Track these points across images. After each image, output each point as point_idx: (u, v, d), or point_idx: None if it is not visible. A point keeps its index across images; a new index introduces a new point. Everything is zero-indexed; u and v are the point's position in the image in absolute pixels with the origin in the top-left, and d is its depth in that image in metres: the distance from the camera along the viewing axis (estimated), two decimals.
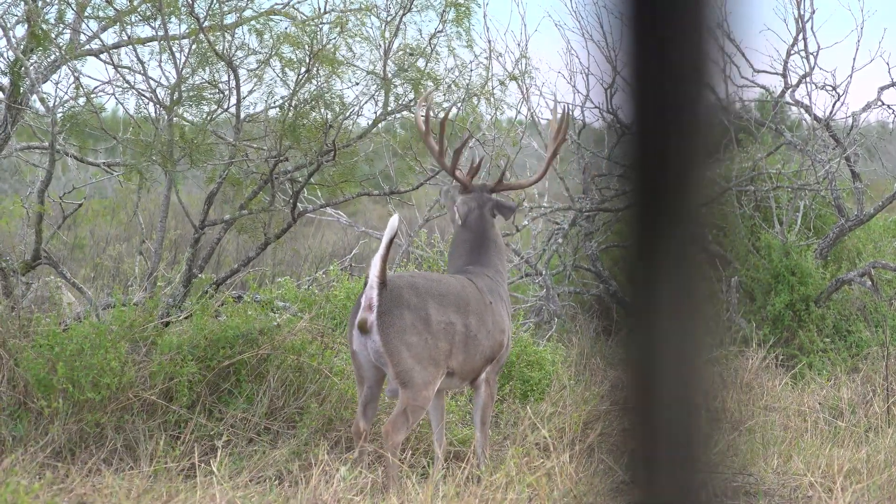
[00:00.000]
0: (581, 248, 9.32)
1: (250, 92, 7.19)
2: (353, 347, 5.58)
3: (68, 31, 7.31)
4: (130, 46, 7.16)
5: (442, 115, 6.92)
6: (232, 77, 7.08)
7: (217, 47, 7.00)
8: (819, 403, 7.29)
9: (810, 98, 9.43)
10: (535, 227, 9.60)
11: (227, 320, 6.37)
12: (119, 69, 7.23)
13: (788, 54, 9.40)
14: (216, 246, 7.43)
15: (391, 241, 5.43)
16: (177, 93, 7.04)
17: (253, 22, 7.24)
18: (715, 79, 1.58)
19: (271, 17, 7.32)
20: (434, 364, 5.54)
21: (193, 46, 7.07)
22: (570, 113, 6.55)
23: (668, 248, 1.61)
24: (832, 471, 5.79)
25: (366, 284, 5.55)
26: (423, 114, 6.21)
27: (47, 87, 9.19)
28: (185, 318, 6.89)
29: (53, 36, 7.21)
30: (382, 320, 5.48)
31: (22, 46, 7.15)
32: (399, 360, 5.47)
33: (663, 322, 1.62)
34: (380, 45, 7.25)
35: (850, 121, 9.53)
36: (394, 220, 5.43)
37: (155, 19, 7.13)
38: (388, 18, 7.31)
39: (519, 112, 9.26)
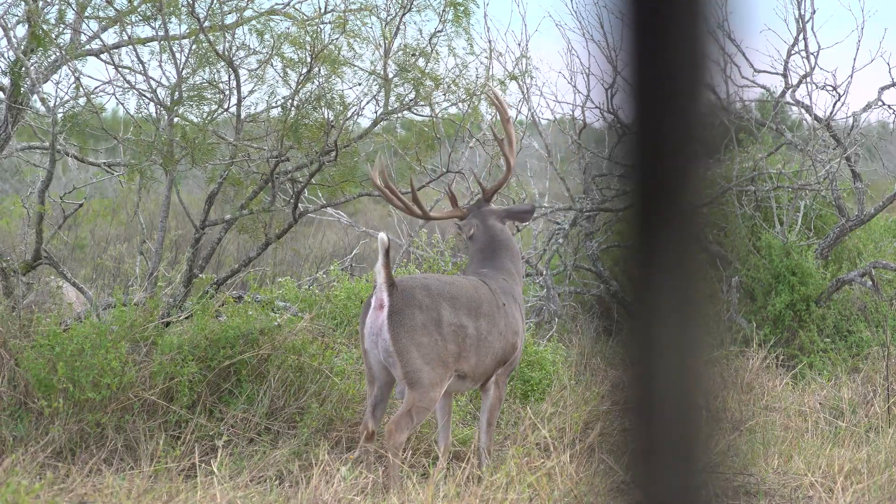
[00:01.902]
0: (582, 247, 9.32)
1: (251, 92, 7.20)
2: (364, 346, 5.59)
3: (69, 31, 7.31)
4: (131, 46, 7.16)
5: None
6: (232, 77, 7.08)
7: (217, 47, 7.00)
8: (820, 403, 7.29)
9: (811, 98, 9.43)
10: (535, 227, 9.60)
11: (227, 320, 6.38)
12: (119, 69, 7.23)
13: (789, 54, 9.40)
14: (217, 246, 7.43)
15: (387, 253, 5.49)
16: (177, 93, 7.04)
17: (253, 22, 7.24)
18: (715, 79, 1.58)
19: (272, 17, 7.32)
20: (443, 366, 5.55)
21: (194, 46, 7.07)
22: (503, 99, 6.61)
23: (668, 248, 1.61)
24: (833, 471, 5.79)
25: (375, 288, 5.58)
26: (382, 182, 6.30)
27: (48, 88, 9.20)
28: (186, 318, 6.89)
29: (54, 36, 7.21)
30: (393, 320, 5.50)
31: (23, 47, 7.15)
32: (408, 360, 5.48)
33: (664, 322, 1.62)
34: (380, 45, 7.25)
35: (850, 121, 9.53)
36: (382, 237, 5.48)
37: (155, 19, 7.13)
38: (388, 18, 7.31)
39: (519, 112, 9.26)
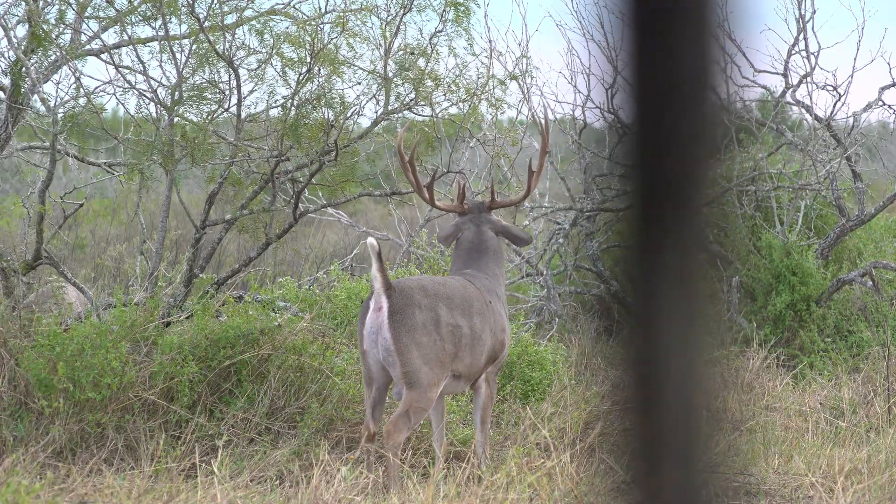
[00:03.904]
0: (582, 247, 9.32)
1: (251, 92, 7.20)
2: (363, 347, 5.60)
3: (69, 31, 7.31)
4: (131, 46, 7.16)
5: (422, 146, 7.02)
6: (232, 77, 7.08)
7: (217, 47, 7.00)
8: (820, 403, 7.29)
9: (811, 98, 9.43)
10: (536, 227, 9.60)
11: (227, 320, 6.38)
12: (120, 69, 7.23)
13: (789, 54, 9.40)
14: (217, 246, 7.43)
15: (379, 256, 5.49)
16: (177, 93, 7.04)
17: (253, 22, 7.24)
18: (716, 79, 1.58)
19: (271, 16, 7.32)
20: (440, 366, 5.57)
21: (194, 46, 7.07)
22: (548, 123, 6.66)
23: (669, 248, 1.61)
24: (833, 471, 5.79)
25: (373, 292, 5.58)
26: (405, 152, 6.34)
27: (48, 88, 9.20)
28: (186, 318, 6.89)
29: (54, 36, 7.20)
30: (394, 319, 5.51)
31: (23, 47, 7.15)
32: (408, 359, 5.49)
33: (664, 322, 1.62)
34: (380, 45, 7.25)
35: (850, 121, 9.52)
36: (372, 242, 5.49)
37: (155, 19, 7.13)
38: (389, 18, 7.31)
39: (520, 112, 9.26)
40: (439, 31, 7.33)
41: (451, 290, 5.74)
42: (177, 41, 7.09)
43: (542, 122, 6.60)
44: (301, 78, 7.09)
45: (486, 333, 5.80)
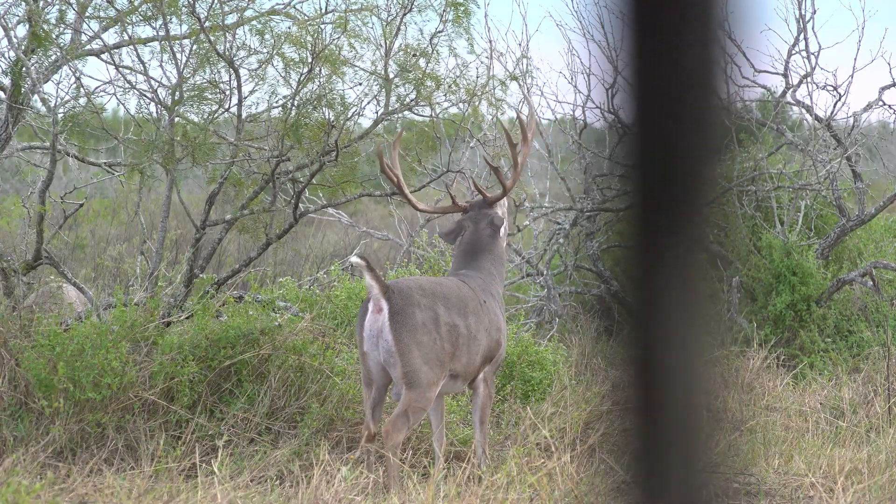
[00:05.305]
0: (582, 248, 9.32)
1: (251, 92, 7.20)
2: (363, 349, 5.60)
3: (69, 31, 7.31)
4: (131, 46, 7.16)
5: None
6: (233, 77, 7.08)
7: (218, 47, 7.00)
8: (820, 403, 7.29)
9: (811, 98, 9.43)
10: (536, 227, 9.60)
11: (228, 320, 6.38)
12: (120, 69, 7.23)
13: (790, 54, 9.40)
14: (217, 246, 7.43)
15: (369, 268, 5.49)
16: (178, 93, 7.04)
17: (254, 22, 7.23)
18: (716, 79, 1.58)
19: (272, 16, 7.31)
20: (440, 365, 5.58)
21: (194, 46, 7.07)
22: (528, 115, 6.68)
23: (669, 248, 1.61)
24: (833, 471, 5.79)
25: (370, 296, 5.58)
26: (395, 168, 6.38)
27: (48, 87, 9.20)
28: (187, 318, 6.89)
29: (55, 36, 7.20)
30: (395, 320, 5.52)
31: (23, 46, 7.15)
32: (409, 359, 5.50)
33: (665, 322, 1.62)
34: (381, 46, 7.25)
35: (851, 121, 9.53)
36: (356, 260, 5.50)
37: (156, 19, 7.12)
38: (389, 18, 7.31)
39: (520, 112, 9.26)
40: (440, 32, 7.33)
41: (447, 289, 5.76)
42: (177, 41, 7.09)
43: (526, 118, 6.62)
44: (302, 78, 7.09)
45: (481, 333, 5.81)
